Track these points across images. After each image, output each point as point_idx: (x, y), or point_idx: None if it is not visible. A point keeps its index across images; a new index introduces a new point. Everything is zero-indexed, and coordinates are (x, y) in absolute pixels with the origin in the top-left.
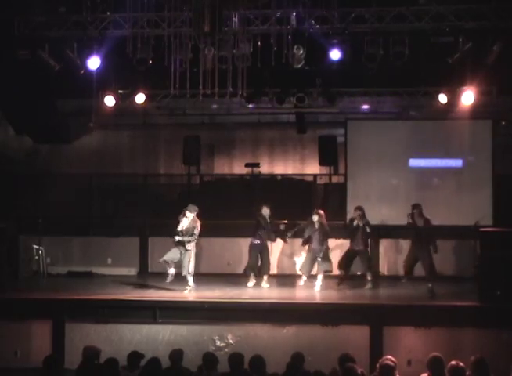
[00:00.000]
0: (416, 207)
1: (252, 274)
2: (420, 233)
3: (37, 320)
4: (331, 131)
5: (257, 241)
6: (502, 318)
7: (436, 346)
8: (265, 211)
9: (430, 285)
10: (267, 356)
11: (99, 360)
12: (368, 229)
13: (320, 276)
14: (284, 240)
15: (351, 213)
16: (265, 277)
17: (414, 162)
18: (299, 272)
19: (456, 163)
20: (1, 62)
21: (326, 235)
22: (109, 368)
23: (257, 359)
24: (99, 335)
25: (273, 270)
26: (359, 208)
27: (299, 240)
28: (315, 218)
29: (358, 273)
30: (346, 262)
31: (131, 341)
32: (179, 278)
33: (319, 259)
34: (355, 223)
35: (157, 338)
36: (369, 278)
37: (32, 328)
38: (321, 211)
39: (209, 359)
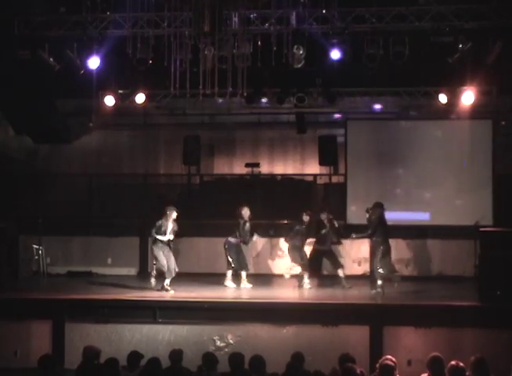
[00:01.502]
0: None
1: (230, 273)
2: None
3: (37, 320)
4: (331, 131)
5: (234, 240)
6: (502, 318)
7: (436, 346)
8: (246, 213)
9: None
10: (267, 356)
11: (99, 360)
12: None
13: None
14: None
15: (351, 213)
16: (244, 275)
17: (414, 162)
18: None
19: (456, 163)
20: (1, 62)
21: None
22: (109, 368)
23: (257, 359)
24: (99, 335)
25: (273, 270)
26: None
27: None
28: (306, 218)
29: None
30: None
31: (131, 341)
32: (179, 278)
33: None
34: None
35: (157, 338)
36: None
37: (32, 328)
38: (310, 212)
39: (209, 359)
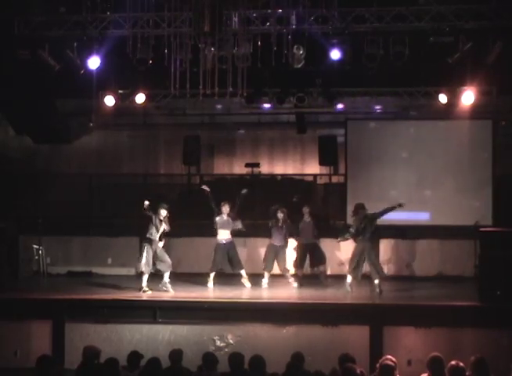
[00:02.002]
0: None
1: (212, 274)
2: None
3: (37, 320)
4: (331, 131)
5: (223, 240)
6: (502, 318)
7: (436, 346)
8: (226, 209)
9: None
10: (267, 356)
11: (99, 360)
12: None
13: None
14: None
15: (351, 213)
16: (243, 273)
17: (414, 162)
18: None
19: (456, 163)
20: (1, 62)
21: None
22: (109, 368)
23: (257, 359)
24: (99, 335)
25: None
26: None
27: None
28: (280, 215)
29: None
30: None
31: (131, 341)
32: (177, 278)
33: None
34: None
35: (157, 338)
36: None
37: (32, 328)
38: (284, 209)
39: (209, 359)
